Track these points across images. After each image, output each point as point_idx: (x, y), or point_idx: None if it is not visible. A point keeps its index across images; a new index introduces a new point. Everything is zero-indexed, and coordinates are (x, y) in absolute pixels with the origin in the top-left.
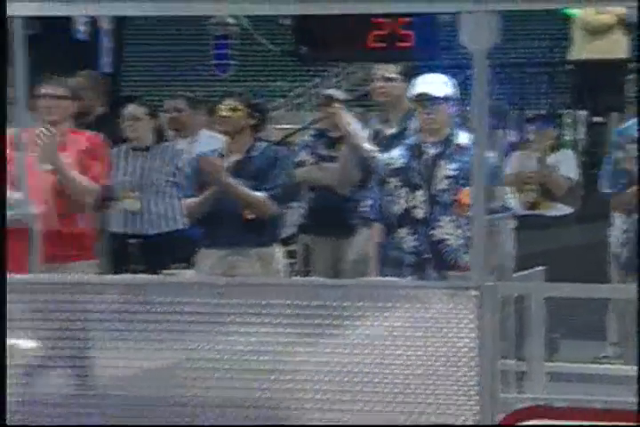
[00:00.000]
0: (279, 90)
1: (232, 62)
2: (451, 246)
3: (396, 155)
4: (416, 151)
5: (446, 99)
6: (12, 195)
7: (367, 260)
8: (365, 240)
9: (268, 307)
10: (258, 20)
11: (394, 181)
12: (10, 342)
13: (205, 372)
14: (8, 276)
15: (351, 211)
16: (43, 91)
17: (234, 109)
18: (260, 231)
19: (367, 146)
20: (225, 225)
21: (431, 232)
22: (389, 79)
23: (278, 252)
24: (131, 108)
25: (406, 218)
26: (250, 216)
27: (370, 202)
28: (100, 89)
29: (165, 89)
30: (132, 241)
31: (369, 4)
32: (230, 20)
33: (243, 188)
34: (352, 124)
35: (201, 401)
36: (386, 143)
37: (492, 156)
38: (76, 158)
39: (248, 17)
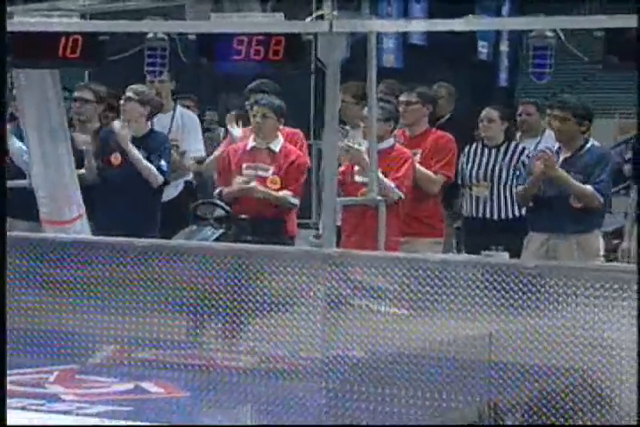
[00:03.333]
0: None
1: (548, 71)
2: None
3: None
4: None
5: None
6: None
7: None
8: None
9: (573, 287)
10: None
11: None
12: None
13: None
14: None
15: None
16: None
17: (564, 119)
18: (582, 219)
19: None
20: (551, 211)
21: None
22: None
23: (598, 240)
24: (485, 111)
25: None
26: (576, 205)
27: None
28: (453, 98)
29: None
30: (455, 224)
31: None
32: (549, 33)
33: (572, 180)
34: None
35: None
36: None
37: None
38: (426, 154)
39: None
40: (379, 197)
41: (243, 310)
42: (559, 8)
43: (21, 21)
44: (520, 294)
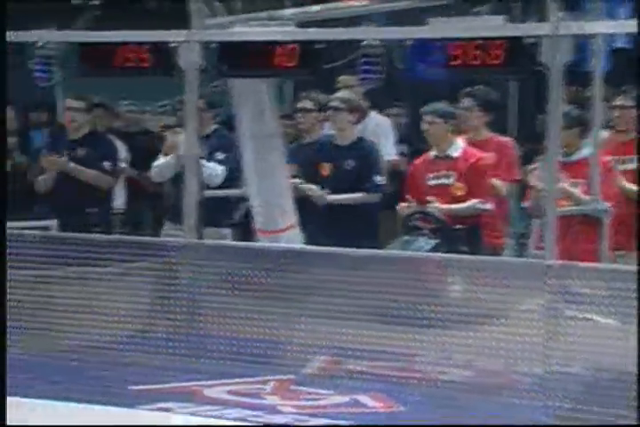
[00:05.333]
0: None
1: None
2: None
3: None
4: None
5: None
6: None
7: None
8: None
9: None
10: None
11: None
12: None
13: None
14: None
15: None
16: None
17: None
18: None
19: None
20: None
21: None
22: None
23: None
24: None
25: None
26: None
27: None
28: None
29: None
30: None
31: None
32: None
33: None
34: None
35: None
36: None
37: None
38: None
39: None
40: (603, 207)
41: (458, 322)
42: None
43: (239, 31)
44: None
